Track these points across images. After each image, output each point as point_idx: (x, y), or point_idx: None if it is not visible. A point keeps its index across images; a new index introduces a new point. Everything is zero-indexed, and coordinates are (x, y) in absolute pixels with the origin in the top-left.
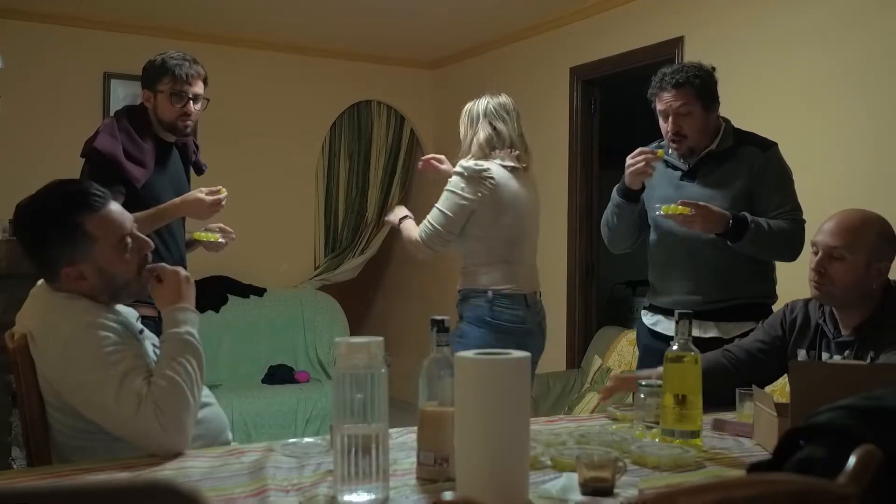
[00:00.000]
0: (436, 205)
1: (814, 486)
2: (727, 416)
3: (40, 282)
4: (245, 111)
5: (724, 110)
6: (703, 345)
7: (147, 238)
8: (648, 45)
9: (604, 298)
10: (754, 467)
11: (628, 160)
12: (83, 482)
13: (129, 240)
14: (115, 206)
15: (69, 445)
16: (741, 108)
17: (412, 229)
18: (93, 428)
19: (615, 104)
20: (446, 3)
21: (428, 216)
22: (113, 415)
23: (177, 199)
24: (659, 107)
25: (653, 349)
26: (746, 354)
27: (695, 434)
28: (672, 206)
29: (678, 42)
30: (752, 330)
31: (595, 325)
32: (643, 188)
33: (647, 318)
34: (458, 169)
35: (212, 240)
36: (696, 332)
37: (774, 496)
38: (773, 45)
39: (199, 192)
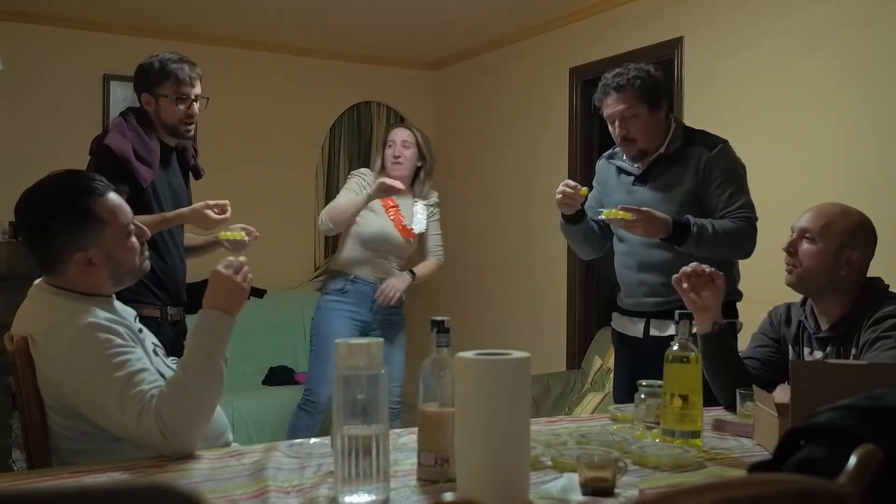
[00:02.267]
0: (438, 233)
1: (814, 486)
2: (727, 416)
3: (37, 281)
4: (245, 112)
5: (724, 110)
6: (663, 343)
7: (143, 226)
8: (648, 46)
9: (604, 298)
10: (755, 467)
11: (556, 191)
12: (84, 484)
13: (132, 226)
14: (115, 194)
15: (69, 448)
16: (741, 108)
17: (426, 265)
18: (93, 430)
19: None
20: (446, 4)
21: (438, 241)
22: (115, 417)
23: (184, 210)
24: (605, 112)
25: (620, 351)
26: (761, 364)
27: (695, 434)
28: (614, 210)
29: (678, 42)
30: None
31: (595, 326)
32: (582, 210)
33: (614, 322)
34: (437, 201)
35: (237, 238)
36: (654, 332)
37: (775, 496)
38: (773, 45)
39: (207, 208)
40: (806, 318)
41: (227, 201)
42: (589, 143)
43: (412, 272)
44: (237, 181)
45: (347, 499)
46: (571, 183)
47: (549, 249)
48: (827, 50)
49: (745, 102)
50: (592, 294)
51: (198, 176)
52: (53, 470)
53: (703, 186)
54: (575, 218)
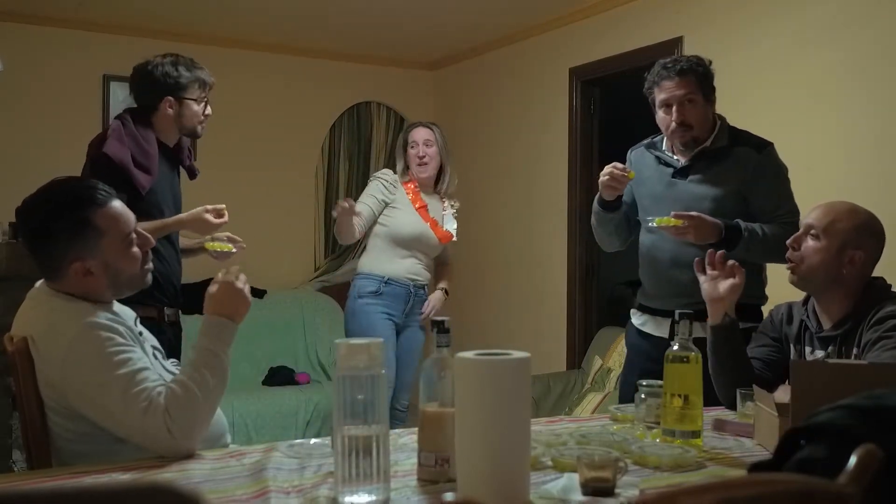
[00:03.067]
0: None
1: (814, 486)
2: (727, 416)
3: (38, 283)
4: (245, 112)
5: (724, 110)
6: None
7: (148, 234)
8: (648, 46)
9: (604, 298)
10: (755, 467)
11: (602, 173)
12: (84, 484)
13: (133, 235)
14: (119, 203)
15: (69, 449)
16: (741, 108)
17: (448, 277)
18: (93, 432)
19: (615, 105)
20: (446, 4)
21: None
22: (118, 416)
23: (183, 216)
24: (660, 97)
25: (639, 348)
26: (762, 364)
27: (695, 434)
28: (665, 218)
29: (678, 42)
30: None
31: (595, 326)
32: (621, 197)
33: (636, 318)
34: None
35: (224, 250)
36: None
37: (775, 496)
38: (773, 45)
39: (206, 213)
40: (808, 316)
41: (224, 205)
42: (589, 143)
43: (445, 290)
44: (237, 181)
45: (348, 499)
46: (620, 165)
47: (549, 249)
48: (827, 49)
49: (744, 102)
50: (592, 294)
51: (192, 176)
52: (54, 471)
53: (750, 188)
54: (614, 204)
